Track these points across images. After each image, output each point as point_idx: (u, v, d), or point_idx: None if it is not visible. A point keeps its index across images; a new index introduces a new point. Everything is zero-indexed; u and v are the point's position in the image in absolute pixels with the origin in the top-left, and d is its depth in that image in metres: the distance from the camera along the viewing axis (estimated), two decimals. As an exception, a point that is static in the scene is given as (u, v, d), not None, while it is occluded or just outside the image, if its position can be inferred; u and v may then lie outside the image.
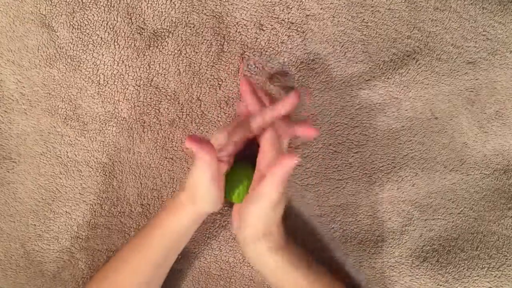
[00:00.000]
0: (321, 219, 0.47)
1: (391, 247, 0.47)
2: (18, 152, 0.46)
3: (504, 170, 0.48)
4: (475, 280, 0.47)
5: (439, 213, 0.48)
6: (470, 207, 0.48)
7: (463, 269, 0.47)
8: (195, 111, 0.45)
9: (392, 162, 0.46)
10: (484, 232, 0.48)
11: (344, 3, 0.42)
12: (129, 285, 0.43)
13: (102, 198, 0.47)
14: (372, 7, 0.43)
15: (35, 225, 0.48)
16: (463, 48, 0.44)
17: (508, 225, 0.48)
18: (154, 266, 0.43)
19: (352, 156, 0.46)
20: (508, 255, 0.47)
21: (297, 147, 0.46)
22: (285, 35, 0.43)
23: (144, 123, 0.45)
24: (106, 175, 0.46)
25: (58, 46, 0.43)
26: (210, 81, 0.44)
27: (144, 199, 0.47)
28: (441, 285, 0.47)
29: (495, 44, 0.44)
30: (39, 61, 0.43)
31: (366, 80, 0.44)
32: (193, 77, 0.43)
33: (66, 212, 0.47)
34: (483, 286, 0.47)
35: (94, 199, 0.47)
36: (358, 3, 0.43)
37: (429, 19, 0.43)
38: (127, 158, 0.45)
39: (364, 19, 0.43)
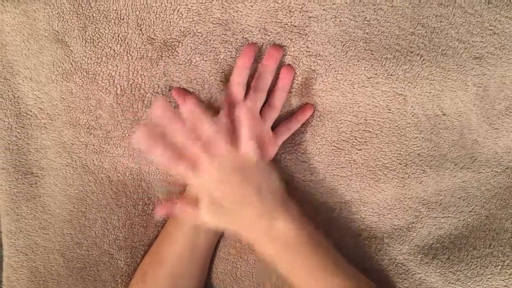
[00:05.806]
0: (326, 216, 0.48)
1: (398, 244, 0.47)
2: (40, 166, 0.49)
3: (516, 168, 0.46)
4: (489, 278, 0.46)
5: (449, 211, 0.47)
6: (481, 205, 0.47)
7: (476, 267, 0.46)
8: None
9: (398, 159, 0.46)
10: (497, 230, 0.47)
11: (346, 2, 0.42)
12: (165, 279, 0.45)
13: (134, 199, 0.49)
14: (374, 5, 0.43)
15: (71, 234, 0.49)
16: (469, 43, 0.43)
17: (522, 224, 0.46)
18: (179, 258, 0.45)
19: (356, 153, 0.47)
20: (523, 253, 0.46)
21: (301, 143, 0.47)
22: (288, 38, 0.44)
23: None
24: (134, 178, 0.49)
25: (73, 61, 0.45)
26: (220, 87, 0.46)
27: (172, 195, 0.49)
28: (452, 283, 0.47)
29: (502, 39, 0.42)
30: (56, 76, 0.45)
31: (368, 78, 0.44)
32: (203, 84, 0.46)
33: (101, 217, 0.49)
34: (497, 284, 0.46)
35: (126, 201, 0.49)
36: (360, 2, 0.43)
37: (433, 15, 0.42)
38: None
39: (366, 18, 0.43)
